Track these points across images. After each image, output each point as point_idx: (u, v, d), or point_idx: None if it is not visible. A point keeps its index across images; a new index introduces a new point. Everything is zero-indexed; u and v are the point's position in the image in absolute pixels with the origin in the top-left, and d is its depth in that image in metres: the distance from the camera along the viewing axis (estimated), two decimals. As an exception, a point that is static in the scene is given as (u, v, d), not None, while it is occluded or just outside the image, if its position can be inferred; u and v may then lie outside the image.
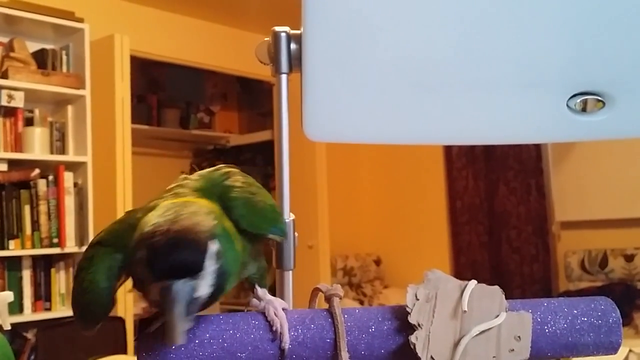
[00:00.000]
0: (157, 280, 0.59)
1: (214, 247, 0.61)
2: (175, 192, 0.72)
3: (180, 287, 0.58)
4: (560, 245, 4.84)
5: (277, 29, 0.90)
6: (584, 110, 0.91)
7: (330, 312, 0.71)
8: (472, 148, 5.26)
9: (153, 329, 0.66)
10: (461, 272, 5.19)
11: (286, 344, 0.68)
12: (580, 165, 4.67)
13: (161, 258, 0.58)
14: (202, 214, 0.64)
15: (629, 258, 4.31)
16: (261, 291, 0.76)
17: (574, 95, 0.90)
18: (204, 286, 0.61)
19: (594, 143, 4.53)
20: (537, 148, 4.90)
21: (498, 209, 5.15)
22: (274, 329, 0.68)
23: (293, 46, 0.89)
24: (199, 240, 0.60)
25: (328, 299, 0.72)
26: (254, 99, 6.45)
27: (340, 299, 0.72)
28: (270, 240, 0.81)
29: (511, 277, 4.97)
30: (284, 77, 0.90)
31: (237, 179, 0.74)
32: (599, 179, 4.57)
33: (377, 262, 5.75)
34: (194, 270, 0.59)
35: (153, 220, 0.62)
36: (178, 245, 0.59)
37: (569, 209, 4.78)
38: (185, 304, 0.58)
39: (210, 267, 0.61)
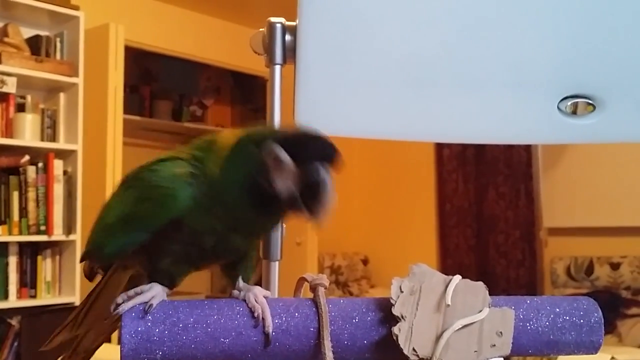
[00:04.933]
0: (304, 163, 0.65)
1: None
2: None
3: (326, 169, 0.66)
4: (547, 251, 4.86)
5: (273, 19, 0.90)
6: (574, 113, 0.91)
7: (315, 302, 0.71)
8: (463, 151, 5.27)
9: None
10: (448, 274, 5.14)
11: (269, 327, 0.68)
12: (570, 173, 4.70)
13: (311, 142, 0.66)
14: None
15: (615, 266, 4.33)
16: (242, 283, 0.76)
17: (565, 98, 0.91)
18: None
19: (583, 151, 4.55)
20: (528, 154, 4.92)
21: (487, 212, 5.17)
22: (255, 314, 0.69)
23: (288, 37, 0.89)
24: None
25: (313, 288, 0.73)
26: (247, 94, 6.43)
27: (326, 288, 0.72)
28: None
29: (497, 281, 4.98)
30: (277, 67, 0.90)
31: None
32: (588, 186, 4.59)
33: (365, 262, 5.76)
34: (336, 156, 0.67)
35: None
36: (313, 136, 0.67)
37: (557, 216, 4.80)
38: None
39: None
